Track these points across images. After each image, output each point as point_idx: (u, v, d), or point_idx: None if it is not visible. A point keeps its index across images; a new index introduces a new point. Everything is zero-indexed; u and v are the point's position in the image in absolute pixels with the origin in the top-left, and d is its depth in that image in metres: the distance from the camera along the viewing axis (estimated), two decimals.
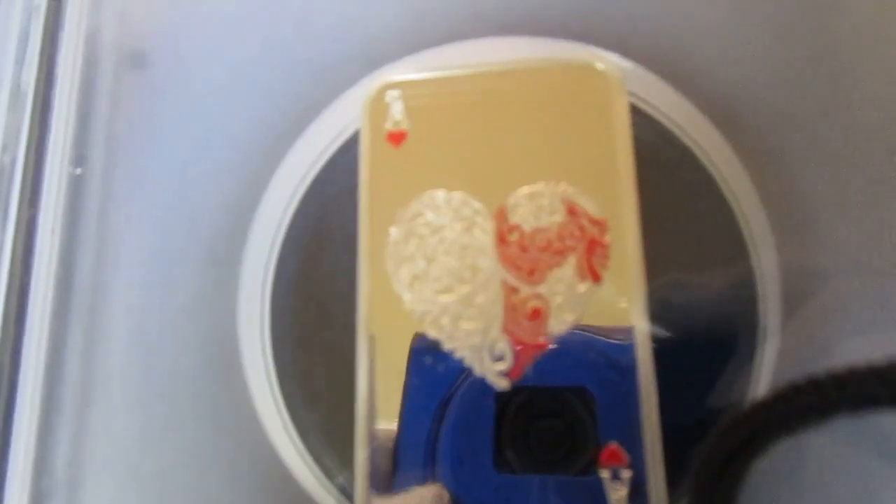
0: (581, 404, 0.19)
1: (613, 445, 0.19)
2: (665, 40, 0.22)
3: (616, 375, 0.19)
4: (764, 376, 0.21)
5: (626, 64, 0.22)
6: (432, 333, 0.20)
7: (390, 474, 0.19)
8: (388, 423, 0.19)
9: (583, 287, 0.20)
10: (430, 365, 0.20)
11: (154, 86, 0.24)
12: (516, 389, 0.19)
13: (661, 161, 0.22)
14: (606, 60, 0.21)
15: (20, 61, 0.24)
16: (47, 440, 0.21)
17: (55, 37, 0.24)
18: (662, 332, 0.19)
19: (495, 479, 0.19)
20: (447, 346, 0.20)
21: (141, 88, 0.24)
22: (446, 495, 0.19)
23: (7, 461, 0.21)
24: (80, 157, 0.23)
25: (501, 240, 0.20)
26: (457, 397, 0.19)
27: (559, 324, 0.20)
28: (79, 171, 0.23)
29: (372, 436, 0.19)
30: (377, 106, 0.22)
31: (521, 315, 0.20)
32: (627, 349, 0.19)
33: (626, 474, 0.18)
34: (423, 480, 0.19)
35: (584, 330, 0.19)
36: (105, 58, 0.24)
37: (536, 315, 0.20)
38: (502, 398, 0.19)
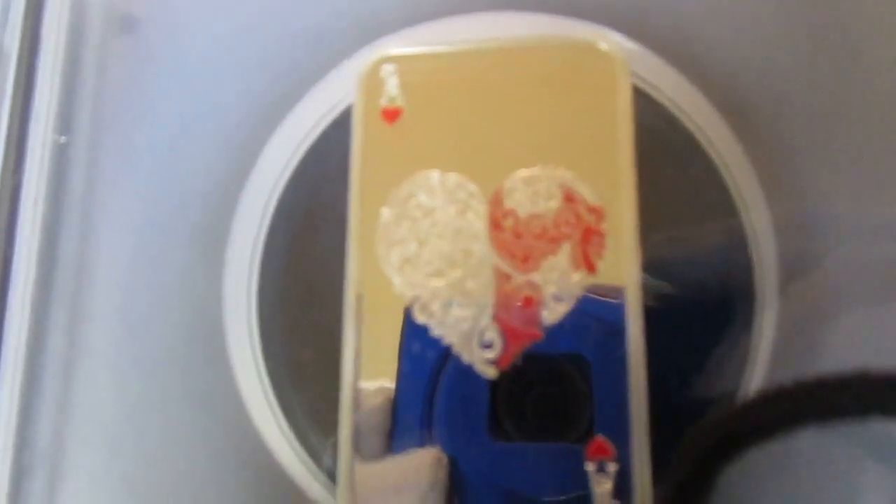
0: (577, 372, 0.19)
1: (600, 438, 0.19)
2: (672, 22, 0.22)
3: (609, 344, 0.19)
4: (759, 365, 0.20)
5: (631, 45, 0.21)
6: (421, 318, 0.20)
7: (382, 440, 0.19)
8: (376, 403, 0.19)
9: (577, 276, 0.19)
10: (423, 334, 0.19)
11: (143, 52, 0.23)
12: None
13: (662, 147, 0.21)
14: (611, 41, 0.21)
15: (3, 22, 0.23)
16: (30, 414, 0.21)
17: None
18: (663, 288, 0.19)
19: (491, 447, 0.19)
20: (436, 332, 0.19)
21: (129, 55, 0.23)
22: (445, 458, 0.19)
23: None
24: (65, 125, 0.23)
25: (495, 225, 0.20)
26: (451, 364, 0.19)
27: (551, 313, 0.19)
28: (63, 139, 0.23)
29: (361, 403, 0.19)
30: (372, 81, 0.21)
31: (513, 303, 0.19)
32: (619, 308, 0.19)
33: (612, 468, 0.18)
34: (420, 445, 0.19)
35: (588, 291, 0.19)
36: (92, 21, 0.23)
37: (528, 303, 0.19)
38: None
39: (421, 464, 0.19)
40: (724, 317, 0.21)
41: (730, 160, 0.21)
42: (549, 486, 0.18)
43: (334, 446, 0.19)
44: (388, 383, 0.19)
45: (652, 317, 0.19)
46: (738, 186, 0.21)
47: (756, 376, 0.20)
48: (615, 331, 0.19)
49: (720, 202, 0.21)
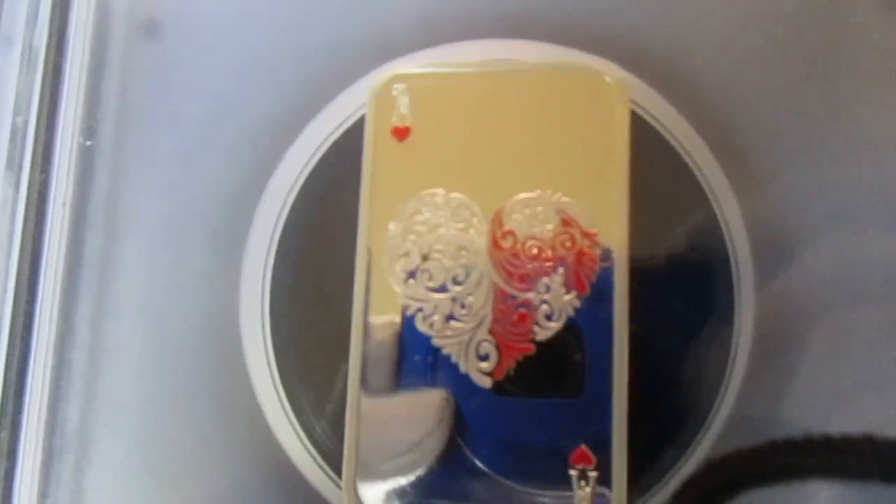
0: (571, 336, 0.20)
1: (583, 448, 0.20)
2: (668, 57, 0.22)
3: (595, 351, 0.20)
4: (735, 380, 0.22)
5: (633, 79, 0.22)
6: (423, 330, 0.21)
7: (390, 380, 0.20)
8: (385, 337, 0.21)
9: (569, 297, 0.21)
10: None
11: (165, 58, 0.24)
12: None
13: (656, 175, 0.22)
14: (614, 73, 0.21)
15: (32, 22, 0.23)
16: (59, 402, 0.23)
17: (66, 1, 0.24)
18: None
19: (493, 401, 0.20)
20: (436, 342, 0.21)
21: (152, 60, 0.24)
22: (453, 399, 0.20)
23: (22, 420, 0.22)
24: (89, 128, 0.24)
25: (495, 244, 0.21)
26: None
27: (543, 330, 0.21)
28: (89, 143, 0.24)
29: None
30: (384, 98, 0.22)
31: (509, 318, 0.21)
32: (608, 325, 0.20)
33: (593, 474, 0.20)
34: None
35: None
36: (116, 25, 0.24)
37: (523, 320, 0.21)
38: None
39: (430, 400, 0.20)
40: (703, 334, 0.22)
41: (717, 192, 0.22)
42: (544, 437, 0.20)
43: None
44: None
45: (636, 333, 0.20)
46: (724, 216, 0.22)
47: (731, 391, 0.22)
48: (601, 343, 0.21)
49: (706, 228, 0.22)
